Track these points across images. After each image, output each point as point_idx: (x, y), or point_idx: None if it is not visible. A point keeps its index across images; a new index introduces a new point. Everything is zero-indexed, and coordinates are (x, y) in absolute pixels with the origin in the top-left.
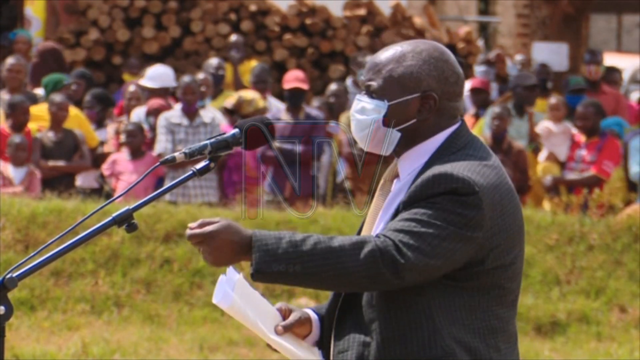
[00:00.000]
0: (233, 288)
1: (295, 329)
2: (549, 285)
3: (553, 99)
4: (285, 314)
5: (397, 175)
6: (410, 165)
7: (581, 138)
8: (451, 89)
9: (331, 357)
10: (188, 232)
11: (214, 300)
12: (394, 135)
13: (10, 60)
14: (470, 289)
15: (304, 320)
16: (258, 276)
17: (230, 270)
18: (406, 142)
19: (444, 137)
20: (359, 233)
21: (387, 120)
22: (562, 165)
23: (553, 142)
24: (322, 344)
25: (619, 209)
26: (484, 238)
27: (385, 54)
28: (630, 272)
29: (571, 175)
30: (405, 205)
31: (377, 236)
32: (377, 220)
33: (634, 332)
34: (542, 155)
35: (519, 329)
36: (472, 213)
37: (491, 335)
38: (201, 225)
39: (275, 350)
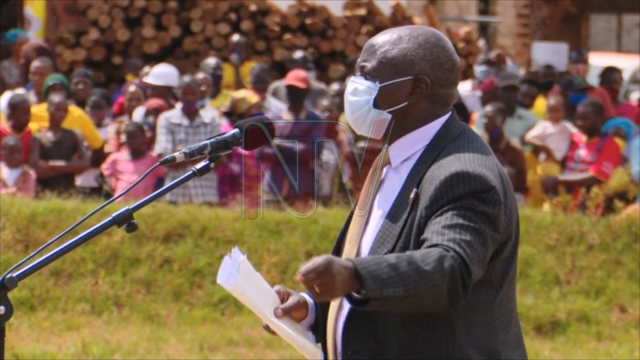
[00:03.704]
0: (237, 269)
1: (293, 312)
2: (549, 285)
3: (552, 100)
4: (283, 296)
5: (388, 163)
6: (404, 152)
7: (581, 138)
8: (445, 75)
9: (337, 353)
10: (301, 274)
11: (219, 281)
12: (385, 117)
13: (35, 64)
14: (486, 284)
15: (301, 304)
16: (374, 303)
17: (235, 250)
18: (398, 128)
19: (439, 126)
20: (348, 222)
21: (378, 102)
22: (562, 165)
23: (551, 142)
24: (316, 329)
25: (619, 208)
26: (502, 231)
27: (382, 37)
28: (630, 272)
29: (570, 176)
30: (429, 210)
31: (447, 249)
32: (373, 210)
33: (634, 332)
34: (542, 156)
35: None
36: (495, 210)
37: (505, 330)
38: (308, 268)
39: (273, 333)
